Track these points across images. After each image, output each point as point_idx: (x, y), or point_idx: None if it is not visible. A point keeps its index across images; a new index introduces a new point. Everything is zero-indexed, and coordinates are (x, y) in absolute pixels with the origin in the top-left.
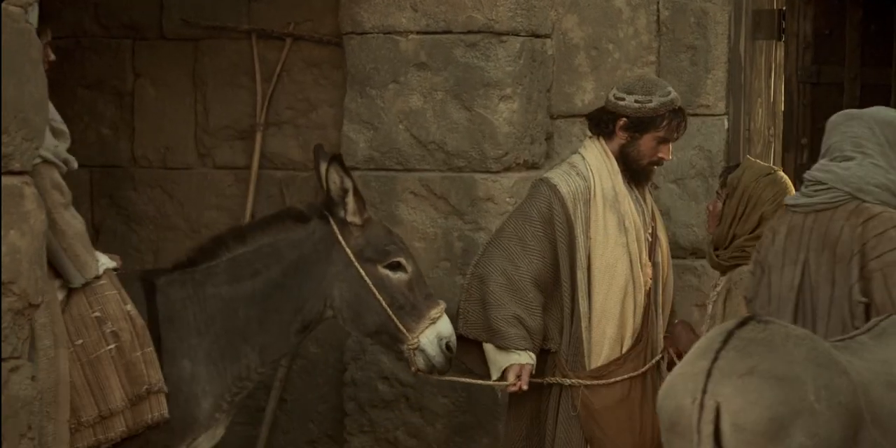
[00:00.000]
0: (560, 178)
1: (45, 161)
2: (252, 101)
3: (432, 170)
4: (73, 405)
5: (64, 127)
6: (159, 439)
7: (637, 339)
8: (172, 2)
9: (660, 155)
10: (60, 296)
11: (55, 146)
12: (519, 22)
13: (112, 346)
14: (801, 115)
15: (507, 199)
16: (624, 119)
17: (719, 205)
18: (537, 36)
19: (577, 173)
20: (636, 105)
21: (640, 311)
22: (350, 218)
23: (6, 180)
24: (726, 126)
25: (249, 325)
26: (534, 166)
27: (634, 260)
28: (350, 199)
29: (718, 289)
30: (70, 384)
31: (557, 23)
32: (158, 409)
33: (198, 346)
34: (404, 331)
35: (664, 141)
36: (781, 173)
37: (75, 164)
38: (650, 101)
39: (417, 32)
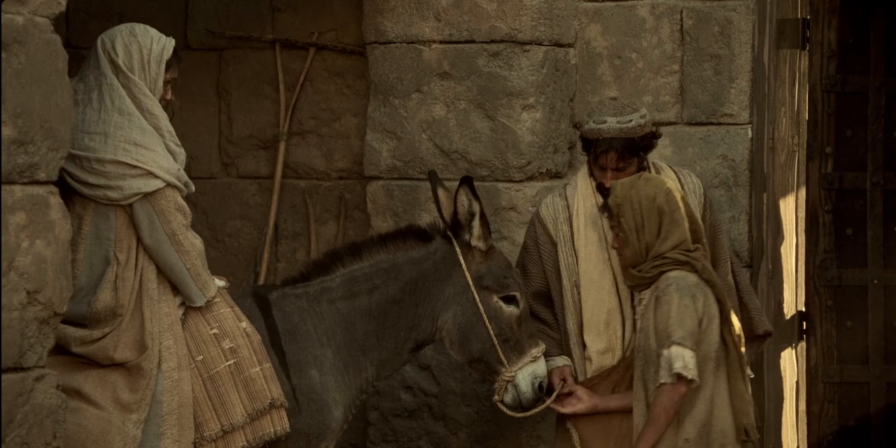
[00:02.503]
0: (547, 201)
1: (169, 185)
2: (276, 110)
3: (455, 179)
4: (196, 421)
5: (180, 148)
6: (293, 447)
7: (626, 352)
8: (197, 12)
9: (600, 179)
10: (179, 314)
11: (178, 169)
12: (542, 31)
13: (231, 361)
14: (826, 124)
15: (530, 209)
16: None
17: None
18: (560, 45)
19: (561, 194)
20: (583, 125)
21: (629, 324)
22: (474, 242)
23: (32, 190)
24: (750, 135)
25: (368, 339)
26: (557, 175)
27: (619, 275)
28: (476, 224)
29: (645, 302)
30: (193, 399)
31: (581, 32)
32: (280, 423)
33: (322, 356)
34: (505, 363)
35: (600, 168)
36: (647, 174)
37: (193, 187)
38: (586, 124)
39: (441, 42)
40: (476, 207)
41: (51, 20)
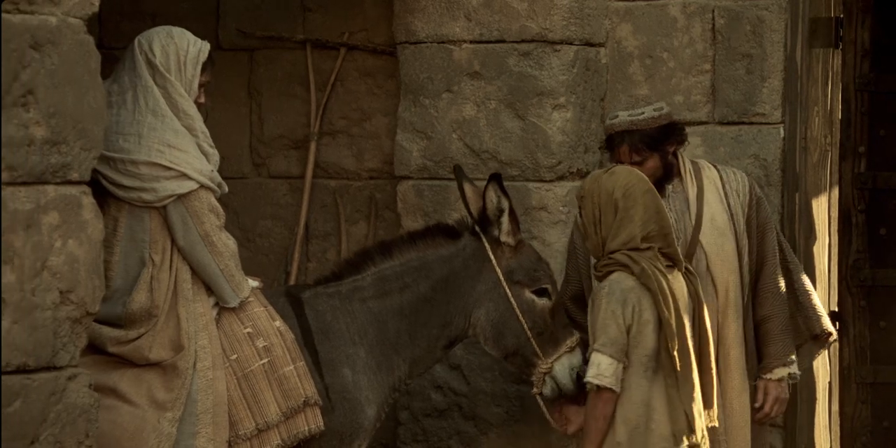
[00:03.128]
0: None
1: (202, 186)
2: (306, 110)
3: (485, 179)
4: (231, 419)
5: (214, 149)
6: (327, 445)
7: None
8: (229, 12)
9: None
10: (213, 314)
11: (210, 171)
12: (573, 31)
13: (265, 360)
14: (859, 123)
15: (561, 208)
16: None
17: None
18: (591, 44)
19: None
20: (603, 124)
21: None
22: (504, 238)
23: (65, 190)
24: (782, 135)
25: (400, 337)
26: (587, 175)
27: None
28: (505, 219)
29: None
30: (228, 398)
31: (612, 31)
32: (314, 421)
33: (355, 355)
34: (541, 355)
35: (618, 163)
36: (621, 167)
37: (226, 188)
38: (604, 122)
39: (471, 41)
40: (505, 203)
41: (84, 21)
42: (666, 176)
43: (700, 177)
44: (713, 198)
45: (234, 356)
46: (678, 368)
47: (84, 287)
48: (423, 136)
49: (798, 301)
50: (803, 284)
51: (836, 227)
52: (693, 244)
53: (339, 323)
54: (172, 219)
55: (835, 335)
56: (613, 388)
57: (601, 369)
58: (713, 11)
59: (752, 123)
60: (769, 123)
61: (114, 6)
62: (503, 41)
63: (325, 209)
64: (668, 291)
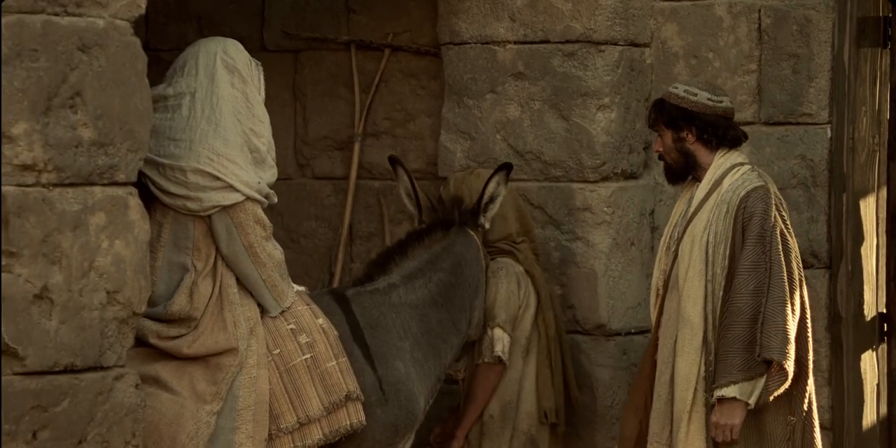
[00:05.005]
0: None
1: (249, 198)
2: (350, 111)
3: (529, 179)
4: (273, 413)
5: (269, 156)
6: (384, 438)
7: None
8: (274, 14)
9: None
10: (258, 315)
11: (258, 183)
12: (617, 31)
13: (307, 356)
14: None
15: (605, 209)
16: None
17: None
18: (636, 45)
19: None
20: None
21: (655, 310)
22: (486, 224)
23: (112, 191)
24: (829, 135)
25: (444, 326)
26: (632, 176)
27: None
28: (495, 205)
29: None
30: (270, 392)
31: (657, 31)
32: (356, 416)
33: (403, 348)
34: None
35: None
36: (482, 169)
37: (275, 199)
38: None
39: (515, 42)
40: (501, 191)
41: (131, 23)
42: (683, 165)
43: (719, 183)
44: (709, 207)
45: (277, 351)
46: (552, 350)
47: (130, 287)
48: (467, 137)
49: (761, 323)
50: (772, 307)
51: (885, 228)
52: (676, 248)
53: (385, 318)
54: (217, 229)
55: (783, 367)
56: (507, 362)
57: (505, 344)
58: (759, 11)
59: (798, 124)
60: (816, 123)
61: (160, 8)
62: (547, 42)
63: (369, 210)
64: (543, 279)
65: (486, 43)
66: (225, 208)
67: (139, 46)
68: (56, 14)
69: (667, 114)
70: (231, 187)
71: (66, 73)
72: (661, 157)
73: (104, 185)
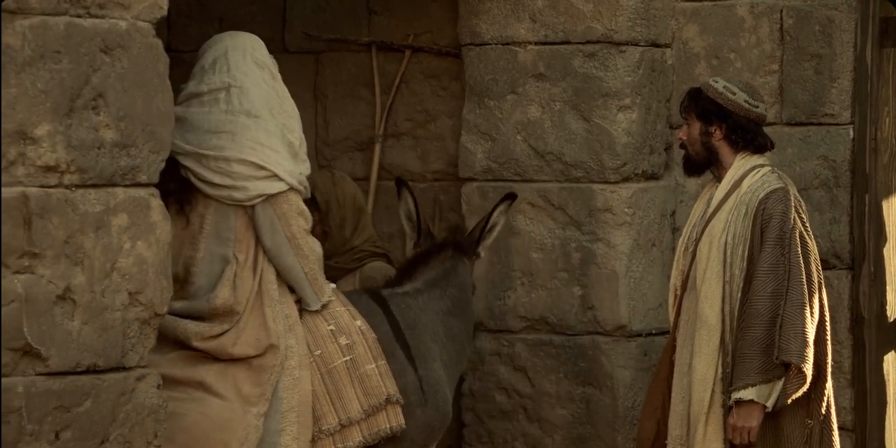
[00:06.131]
0: None
1: (292, 188)
2: (371, 112)
3: (550, 180)
4: (315, 414)
5: (301, 151)
6: (420, 438)
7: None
8: (295, 15)
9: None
10: (297, 313)
11: (300, 173)
12: (638, 32)
13: (347, 358)
14: None
15: (626, 210)
16: None
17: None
18: (657, 45)
19: None
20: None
21: (673, 311)
22: (481, 250)
23: (134, 192)
24: (851, 136)
25: (462, 333)
26: (653, 177)
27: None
28: (493, 235)
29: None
30: (312, 393)
31: (678, 32)
32: (396, 419)
33: (436, 351)
34: None
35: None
36: (341, 173)
37: (309, 193)
38: None
39: (536, 43)
40: (501, 220)
41: (153, 24)
42: (704, 159)
43: (738, 184)
44: (728, 208)
45: (318, 352)
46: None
47: (152, 288)
48: (488, 138)
49: (779, 326)
50: (790, 310)
51: None
52: (694, 249)
53: (420, 319)
54: (260, 220)
55: (801, 370)
56: None
57: None
58: (781, 11)
59: (820, 124)
60: (838, 124)
61: (182, 10)
62: (568, 42)
63: (390, 210)
64: None
65: (507, 44)
66: (269, 199)
67: (161, 48)
68: (79, 16)
69: (701, 105)
70: (276, 177)
71: (88, 75)
72: (682, 146)
73: (126, 186)
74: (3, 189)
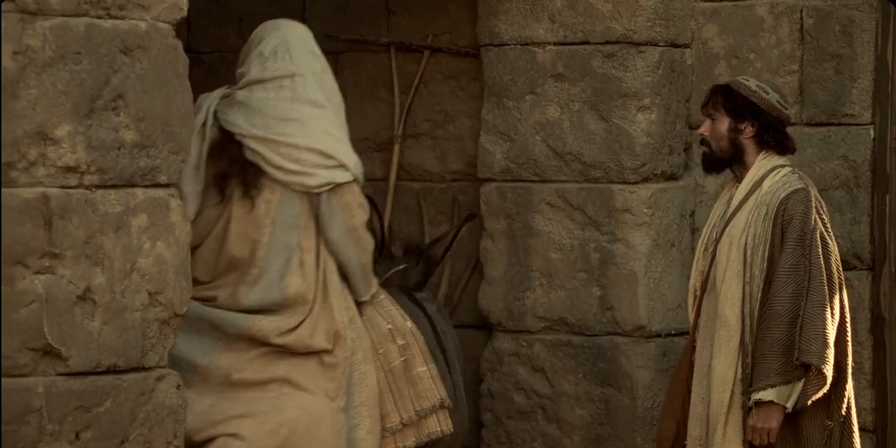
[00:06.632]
0: None
1: (356, 179)
2: (390, 113)
3: (569, 181)
4: (381, 411)
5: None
6: (449, 445)
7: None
8: (314, 16)
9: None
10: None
11: (355, 165)
12: (658, 32)
13: (403, 358)
14: None
15: (645, 211)
16: None
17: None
18: (676, 46)
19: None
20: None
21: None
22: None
23: (153, 193)
24: (872, 136)
25: (458, 344)
26: (672, 177)
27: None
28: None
29: None
30: (378, 389)
31: (697, 32)
32: (445, 423)
33: (458, 357)
34: None
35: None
36: None
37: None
38: None
39: (555, 43)
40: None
41: (172, 25)
42: (729, 156)
43: (759, 184)
44: (748, 208)
45: (381, 350)
46: None
47: (172, 289)
48: (507, 138)
49: (800, 327)
50: (811, 311)
51: None
52: (714, 250)
53: (448, 326)
54: (324, 209)
55: (821, 371)
56: None
57: None
58: (801, 11)
59: (840, 124)
60: (859, 124)
61: (201, 11)
62: (587, 43)
63: (409, 211)
64: None
65: (526, 44)
66: (334, 189)
67: (181, 49)
68: (99, 17)
69: (733, 102)
70: (343, 166)
71: (108, 76)
72: (703, 142)
73: (146, 186)
74: (24, 190)
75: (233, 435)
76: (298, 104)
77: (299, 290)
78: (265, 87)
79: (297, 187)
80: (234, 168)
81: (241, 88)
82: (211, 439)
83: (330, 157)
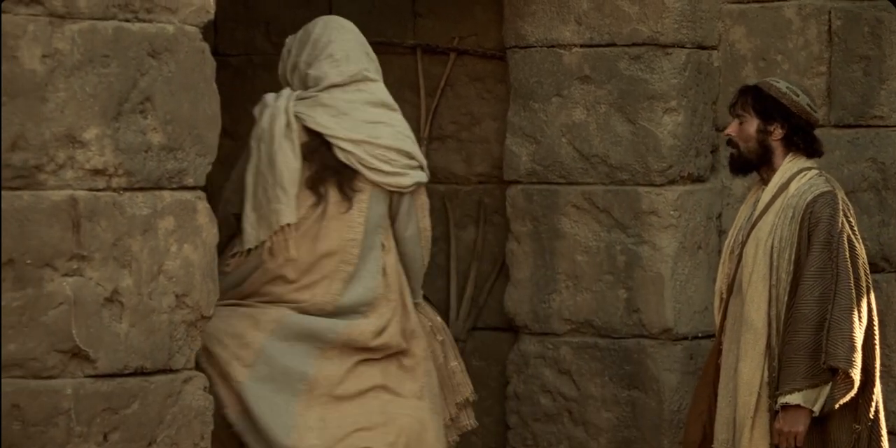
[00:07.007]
0: None
1: (427, 181)
2: (416, 115)
3: (595, 183)
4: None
5: None
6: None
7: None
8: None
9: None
10: None
11: (426, 166)
12: (684, 34)
13: (443, 355)
14: None
15: (672, 213)
16: None
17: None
18: (703, 47)
19: None
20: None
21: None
22: None
23: (180, 195)
24: None
25: None
26: (699, 179)
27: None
28: None
29: None
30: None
31: (724, 34)
32: (472, 418)
33: None
34: None
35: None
36: None
37: None
38: None
39: (581, 46)
40: None
41: (200, 29)
42: (756, 157)
43: (786, 187)
44: (774, 211)
45: (430, 349)
46: None
47: (198, 291)
48: (533, 141)
49: (827, 330)
50: (838, 314)
51: None
52: (740, 252)
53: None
54: (403, 208)
55: (849, 375)
56: None
57: None
58: (829, 13)
59: (869, 126)
60: (887, 126)
61: (228, 14)
62: (614, 45)
63: (435, 214)
64: None
65: (552, 46)
66: (415, 189)
67: (208, 52)
68: (127, 20)
69: (762, 103)
70: (421, 167)
71: (136, 79)
72: (730, 143)
73: (173, 189)
74: (52, 192)
75: None
76: (378, 107)
77: (384, 292)
78: (344, 89)
79: (390, 188)
80: (328, 170)
81: (319, 91)
82: None
83: (412, 157)
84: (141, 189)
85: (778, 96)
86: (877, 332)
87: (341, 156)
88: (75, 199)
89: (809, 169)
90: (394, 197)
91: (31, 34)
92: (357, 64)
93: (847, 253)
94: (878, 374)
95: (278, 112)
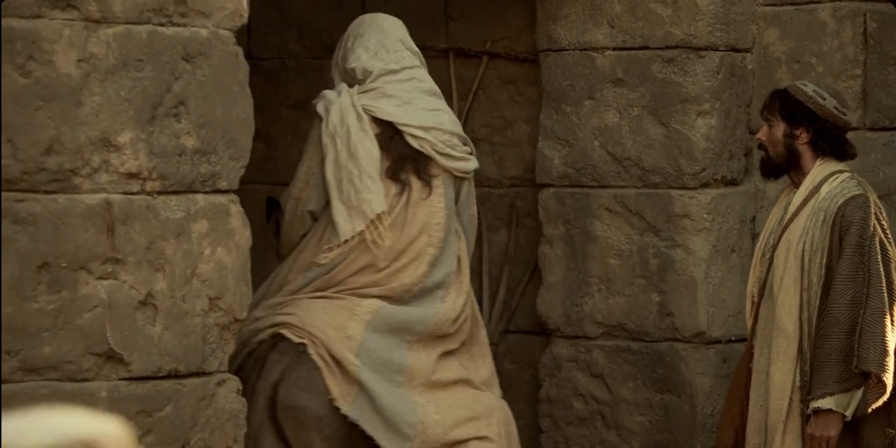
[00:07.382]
0: None
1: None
2: None
3: (628, 186)
4: None
5: None
6: None
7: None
8: None
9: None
10: None
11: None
12: (718, 36)
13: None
14: None
15: (705, 216)
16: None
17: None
18: (737, 50)
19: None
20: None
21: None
22: None
23: (214, 199)
24: None
25: None
26: (732, 182)
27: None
28: None
29: None
30: None
31: (758, 36)
32: None
33: None
34: None
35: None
36: None
37: None
38: None
39: (614, 49)
40: None
41: (233, 33)
42: (784, 161)
43: (817, 190)
44: (806, 214)
45: None
46: None
47: (232, 294)
48: (565, 144)
49: (858, 334)
50: (870, 318)
51: None
52: (771, 256)
53: None
54: (464, 193)
55: (881, 379)
56: None
57: None
58: (865, 15)
59: None
60: None
61: (261, 17)
62: (647, 48)
63: None
64: None
65: (585, 49)
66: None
67: (241, 56)
68: (161, 24)
69: (788, 107)
70: (473, 153)
71: (170, 83)
72: (761, 146)
73: (206, 192)
74: (87, 196)
75: (483, 438)
76: (430, 95)
77: (456, 275)
78: (399, 78)
79: (457, 173)
80: (406, 158)
81: (375, 80)
82: (457, 443)
83: (466, 143)
84: (174, 192)
85: (803, 100)
86: None
87: (414, 143)
88: (110, 202)
89: (841, 172)
90: (457, 182)
91: (67, 39)
92: (404, 52)
93: (879, 256)
94: None
95: (346, 106)
